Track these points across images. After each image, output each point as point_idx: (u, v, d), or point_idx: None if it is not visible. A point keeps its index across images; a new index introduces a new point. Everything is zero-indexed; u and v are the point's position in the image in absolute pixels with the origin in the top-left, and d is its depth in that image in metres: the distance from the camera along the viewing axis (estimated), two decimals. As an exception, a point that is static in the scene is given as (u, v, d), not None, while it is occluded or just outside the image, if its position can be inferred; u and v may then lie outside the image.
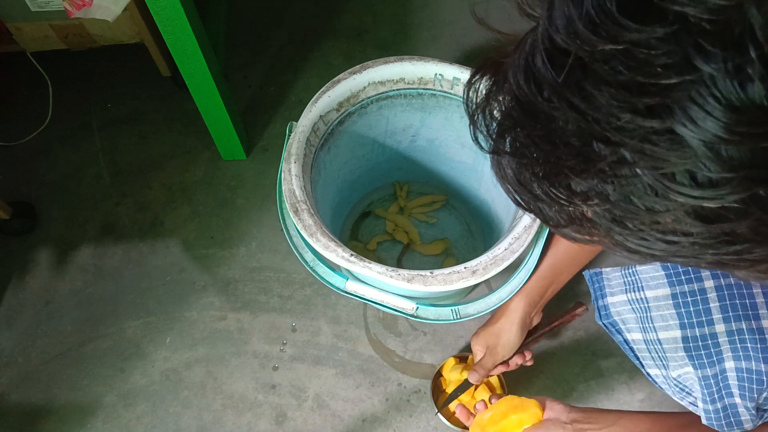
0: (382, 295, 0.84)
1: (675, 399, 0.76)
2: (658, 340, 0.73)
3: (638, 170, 0.29)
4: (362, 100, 0.94)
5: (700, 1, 0.25)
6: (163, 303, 1.20)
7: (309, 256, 0.86)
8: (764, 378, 0.64)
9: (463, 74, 0.92)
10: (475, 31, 1.48)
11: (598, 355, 1.13)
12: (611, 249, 0.37)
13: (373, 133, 1.03)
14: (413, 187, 1.27)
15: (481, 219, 1.21)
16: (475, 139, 0.39)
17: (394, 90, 0.95)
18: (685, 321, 0.70)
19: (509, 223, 0.91)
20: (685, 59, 0.26)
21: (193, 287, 1.22)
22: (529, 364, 0.95)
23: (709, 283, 0.69)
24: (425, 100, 0.97)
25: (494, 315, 0.93)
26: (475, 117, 0.38)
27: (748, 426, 0.67)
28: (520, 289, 0.88)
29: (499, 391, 1.02)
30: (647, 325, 0.75)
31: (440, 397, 1.02)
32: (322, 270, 0.85)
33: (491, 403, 0.83)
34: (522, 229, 0.82)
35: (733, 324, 0.67)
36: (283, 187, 0.84)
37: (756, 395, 0.65)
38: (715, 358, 0.68)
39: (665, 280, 0.73)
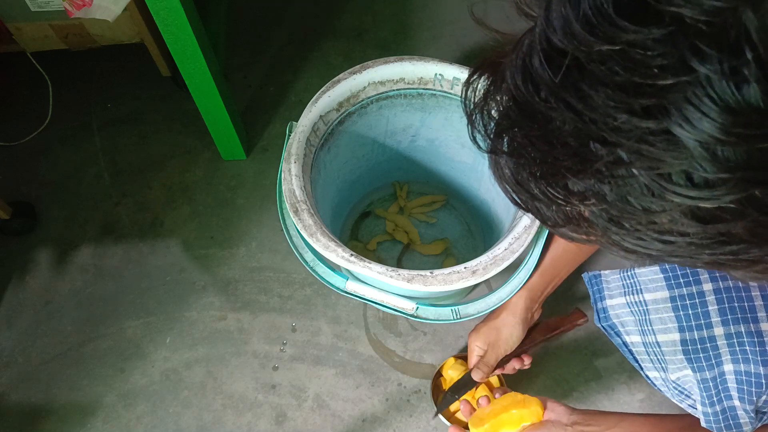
0: (382, 295, 0.84)
1: (674, 402, 0.76)
2: (657, 343, 0.73)
3: (635, 170, 0.30)
4: (362, 100, 0.94)
5: (696, 2, 0.25)
6: (163, 303, 1.20)
7: (309, 256, 0.86)
8: (763, 381, 0.64)
9: (463, 74, 0.92)
10: (474, 31, 1.48)
11: (598, 356, 1.13)
12: (608, 248, 0.37)
13: (373, 133, 1.03)
14: (413, 187, 1.27)
15: (481, 219, 1.21)
16: (473, 139, 0.39)
17: (394, 90, 0.95)
18: (684, 324, 0.70)
19: (509, 223, 0.91)
20: (681, 60, 0.26)
21: (193, 287, 1.22)
22: (526, 367, 0.95)
23: (707, 286, 0.69)
24: (425, 100, 0.97)
25: (493, 311, 0.92)
26: (473, 117, 0.38)
27: (747, 429, 0.67)
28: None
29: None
30: (646, 328, 0.74)
31: (440, 397, 1.02)
32: (322, 270, 0.85)
33: (495, 398, 0.84)
34: (522, 229, 0.82)
35: (731, 327, 0.67)
36: (283, 187, 0.84)
37: (755, 398, 0.65)
38: (713, 361, 0.68)
39: (664, 283, 0.73)
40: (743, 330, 0.66)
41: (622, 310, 0.78)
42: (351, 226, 1.24)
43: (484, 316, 0.88)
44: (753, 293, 0.67)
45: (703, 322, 0.69)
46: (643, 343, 0.76)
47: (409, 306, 0.84)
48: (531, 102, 0.32)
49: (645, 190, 0.30)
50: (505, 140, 0.36)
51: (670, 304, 0.71)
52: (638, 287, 0.76)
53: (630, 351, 0.79)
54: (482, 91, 0.38)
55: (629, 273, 0.78)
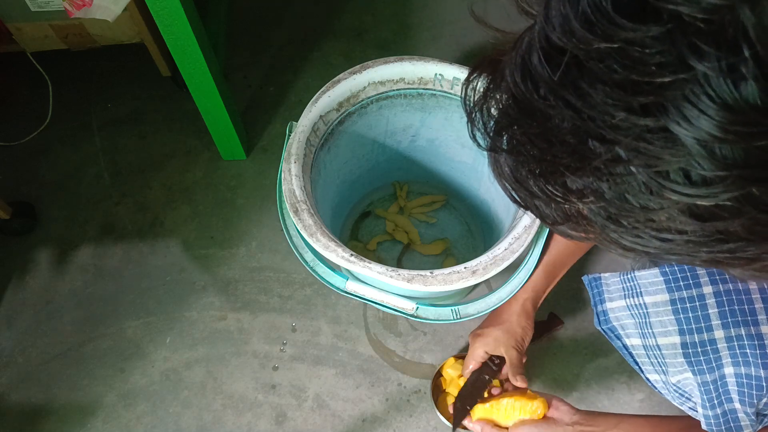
0: (382, 295, 0.84)
1: (675, 404, 0.76)
2: (657, 345, 0.73)
3: (633, 168, 0.30)
4: (362, 100, 0.94)
5: (694, 0, 0.25)
6: (163, 303, 1.20)
7: (309, 256, 0.86)
8: (763, 383, 0.64)
9: (463, 74, 0.92)
10: (474, 31, 1.48)
11: (598, 356, 1.13)
12: (606, 246, 0.37)
13: (373, 133, 1.03)
14: (413, 187, 1.27)
15: (481, 219, 1.21)
16: (473, 137, 0.39)
17: (394, 90, 0.95)
18: (684, 327, 0.70)
19: (509, 223, 0.91)
20: (679, 58, 0.26)
21: (193, 287, 1.22)
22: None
23: (707, 289, 0.69)
24: (425, 100, 0.97)
25: (496, 317, 0.91)
26: (473, 115, 0.38)
27: (747, 431, 0.67)
28: (526, 284, 0.88)
29: None
30: (646, 330, 0.74)
31: (440, 397, 1.02)
32: (322, 270, 0.85)
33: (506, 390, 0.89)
34: (522, 229, 0.82)
35: (732, 330, 0.67)
36: (283, 187, 0.84)
37: (755, 401, 0.65)
38: (714, 364, 0.68)
39: (664, 286, 0.73)
40: (743, 333, 0.66)
41: (622, 313, 0.78)
42: (351, 226, 1.24)
43: (483, 315, 0.88)
44: (753, 296, 0.67)
45: (703, 325, 0.69)
46: (643, 346, 0.76)
47: (409, 306, 0.84)
48: (530, 100, 0.32)
49: (643, 187, 0.30)
50: (504, 138, 0.36)
51: (670, 307, 0.71)
52: (638, 290, 0.76)
53: (630, 354, 0.79)
54: (482, 89, 0.38)
55: (629, 276, 0.78)
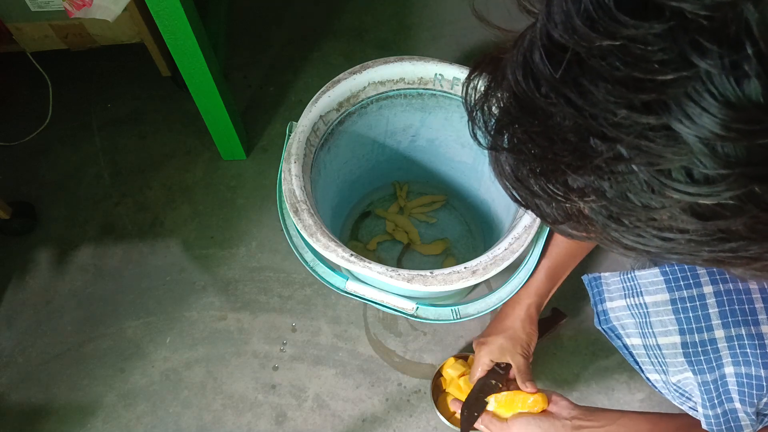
0: (382, 295, 0.84)
1: (675, 404, 0.76)
2: (658, 345, 0.73)
3: (634, 166, 0.29)
4: (362, 100, 0.94)
5: None
6: (163, 303, 1.20)
7: (309, 256, 0.86)
8: (764, 383, 0.64)
9: (463, 74, 0.92)
10: (475, 31, 1.48)
11: (598, 356, 1.13)
12: (607, 246, 0.37)
13: (373, 133, 1.03)
14: (413, 187, 1.27)
15: (481, 219, 1.20)
16: (474, 136, 0.39)
17: (394, 90, 0.95)
18: (684, 327, 0.70)
19: (509, 223, 0.91)
20: (681, 55, 0.26)
21: (193, 287, 1.22)
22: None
23: (708, 289, 0.69)
24: (425, 100, 0.97)
25: (500, 324, 0.91)
26: (474, 113, 0.38)
27: (748, 431, 0.67)
28: (529, 289, 0.88)
29: None
30: (646, 330, 0.74)
31: (440, 397, 1.02)
32: (322, 270, 0.85)
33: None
34: (522, 229, 0.82)
35: (732, 329, 0.67)
36: (283, 187, 0.84)
37: (756, 400, 0.65)
38: (714, 364, 0.67)
39: (664, 286, 0.72)
40: (744, 332, 0.66)
41: (622, 312, 0.78)
42: (351, 226, 1.24)
43: (483, 316, 0.88)
44: (753, 296, 0.67)
45: (703, 324, 0.69)
46: (643, 345, 0.76)
47: (409, 306, 0.84)
48: (531, 97, 0.32)
49: (644, 186, 0.30)
50: (505, 137, 0.36)
51: (670, 307, 0.71)
52: (638, 290, 0.75)
53: (630, 353, 0.79)
54: (483, 87, 0.38)
55: (629, 275, 0.78)
